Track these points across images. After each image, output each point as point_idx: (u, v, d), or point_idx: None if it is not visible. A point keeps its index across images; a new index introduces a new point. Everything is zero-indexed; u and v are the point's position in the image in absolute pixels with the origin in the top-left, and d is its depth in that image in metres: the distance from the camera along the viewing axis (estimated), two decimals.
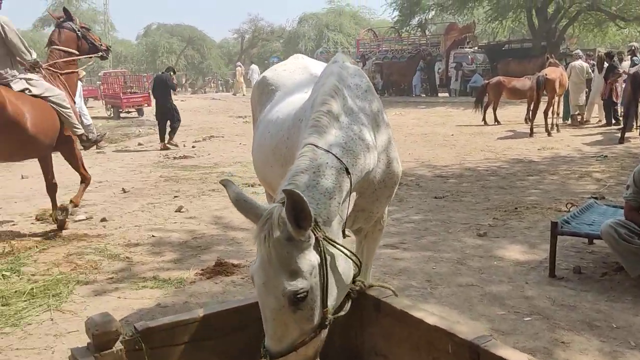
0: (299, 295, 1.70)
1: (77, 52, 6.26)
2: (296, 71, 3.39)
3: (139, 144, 13.78)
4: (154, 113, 13.63)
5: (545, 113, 12.70)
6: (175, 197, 7.57)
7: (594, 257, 4.78)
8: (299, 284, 1.70)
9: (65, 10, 6.46)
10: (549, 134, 12.55)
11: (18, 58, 5.44)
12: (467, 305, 3.88)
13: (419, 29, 31.91)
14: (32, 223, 6.30)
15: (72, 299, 4.06)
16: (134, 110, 22.90)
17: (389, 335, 2.12)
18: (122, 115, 22.55)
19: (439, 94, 26.70)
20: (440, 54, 28.57)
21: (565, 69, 14.53)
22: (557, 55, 21.31)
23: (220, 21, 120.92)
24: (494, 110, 15.38)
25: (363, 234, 2.76)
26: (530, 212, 6.23)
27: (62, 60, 6.05)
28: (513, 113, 16.93)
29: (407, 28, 31.07)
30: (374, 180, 2.40)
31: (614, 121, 13.49)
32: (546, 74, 12.69)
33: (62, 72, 6.03)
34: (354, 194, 2.16)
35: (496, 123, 15.17)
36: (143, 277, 4.53)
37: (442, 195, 7.21)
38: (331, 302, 1.83)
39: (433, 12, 29.63)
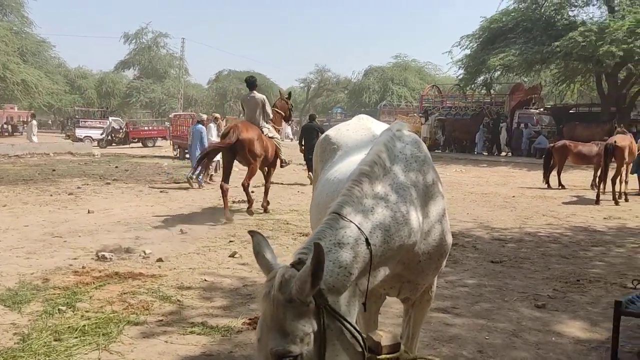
0: (285, 358, 1.67)
1: (284, 114, 11.24)
2: (359, 132, 3.39)
3: (200, 186, 14.20)
4: (303, 156, 15.81)
5: (613, 181, 12.23)
6: (231, 241, 7.69)
7: None
8: (287, 347, 1.67)
9: (289, 93, 12.29)
10: (617, 203, 12.01)
11: (264, 118, 10.05)
12: None
13: (484, 88, 31.83)
14: (93, 258, 6.52)
15: (121, 340, 4.13)
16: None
17: None
18: (187, 155, 23.36)
19: (502, 153, 26.34)
20: (504, 113, 28.33)
21: (634, 136, 14.04)
22: (627, 122, 20.65)
23: (289, 70, 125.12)
24: (558, 174, 14.96)
25: (410, 303, 2.69)
26: (594, 286, 5.91)
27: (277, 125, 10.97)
28: (579, 178, 16.39)
29: (472, 86, 31.06)
30: (418, 253, 2.36)
31: None
32: (616, 141, 12.26)
33: (276, 125, 10.76)
34: (384, 268, 2.12)
35: (560, 187, 14.72)
36: (192, 322, 4.57)
37: (499, 260, 6.96)
38: None
39: (499, 72, 29.51)
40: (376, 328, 2.62)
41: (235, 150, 9.28)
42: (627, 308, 4.12)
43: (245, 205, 10.23)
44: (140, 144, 32.57)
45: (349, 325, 1.83)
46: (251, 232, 2.00)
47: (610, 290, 5.71)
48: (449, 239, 2.54)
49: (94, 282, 5.47)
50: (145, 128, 36.65)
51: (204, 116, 16.18)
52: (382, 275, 2.16)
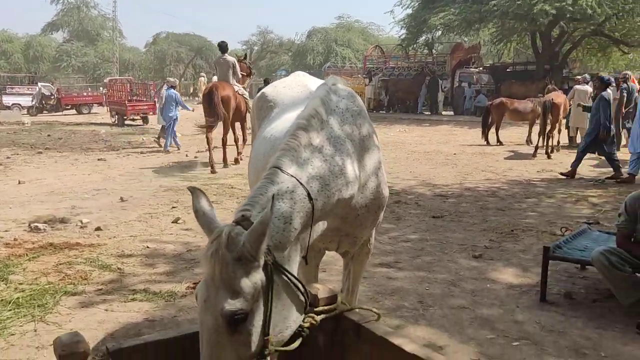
0: (236, 317, 1.64)
1: (245, 74, 12.88)
2: (295, 88, 3.36)
3: (142, 152, 13.82)
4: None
5: (548, 136, 12.73)
6: (174, 207, 7.55)
7: (585, 282, 4.75)
8: (238, 304, 1.64)
9: (245, 55, 14.36)
10: (549, 157, 12.56)
11: (234, 77, 11.59)
12: (457, 328, 3.84)
13: (426, 48, 32.07)
14: (25, 230, 6.26)
15: (58, 310, 4.02)
16: (139, 118, 22.95)
17: None
18: (126, 122, 22.59)
19: (444, 112, 26.83)
20: (446, 72, 28.72)
21: (566, 92, 14.61)
22: (560, 79, 21.35)
23: (230, 32, 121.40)
24: (497, 130, 15.42)
25: (350, 257, 2.72)
26: (526, 235, 6.21)
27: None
28: (515, 134, 16.95)
29: (414, 46, 31.22)
30: (356, 206, 2.37)
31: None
32: (552, 99, 12.71)
33: (242, 83, 12.29)
34: (323, 222, 2.13)
35: (498, 143, 15.20)
36: (133, 289, 4.49)
37: (440, 215, 7.18)
38: (274, 331, 1.76)
39: (440, 32, 29.73)
40: (316, 282, 2.65)
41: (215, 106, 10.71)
42: (554, 253, 4.36)
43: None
44: (74, 111, 31.06)
45: (293, 279, 1.82)
46: (190, 189, 1.93)
47: (540, 238, 6.02)
48: (386, 192, 2.57)
49: (27, 254, 5.26)
50: (84, 94, 34.83)
51: (176, 81, 17.40)
52: (321, 229, 2.16)
